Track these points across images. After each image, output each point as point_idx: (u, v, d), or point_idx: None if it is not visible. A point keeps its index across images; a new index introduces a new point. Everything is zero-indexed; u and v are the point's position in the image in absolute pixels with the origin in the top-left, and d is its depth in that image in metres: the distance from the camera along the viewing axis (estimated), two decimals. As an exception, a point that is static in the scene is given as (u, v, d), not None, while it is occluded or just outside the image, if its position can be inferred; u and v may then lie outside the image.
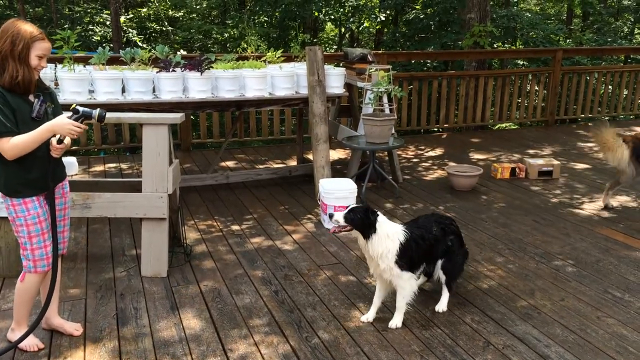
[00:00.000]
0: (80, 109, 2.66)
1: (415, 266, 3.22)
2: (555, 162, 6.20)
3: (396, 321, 3.19)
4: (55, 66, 4.68)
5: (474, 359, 2.88)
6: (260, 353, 2.92)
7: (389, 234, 3.11)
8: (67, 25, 13.54)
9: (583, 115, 9.24)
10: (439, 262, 3.36)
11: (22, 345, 2.89)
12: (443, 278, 3.37)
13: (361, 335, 3.10)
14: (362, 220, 3.06)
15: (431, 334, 3.11)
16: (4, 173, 2.68)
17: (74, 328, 3.07)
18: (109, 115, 2.85)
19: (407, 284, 3.16)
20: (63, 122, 2.61)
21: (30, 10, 14.40)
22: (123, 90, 4.74)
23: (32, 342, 2.91)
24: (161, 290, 3.58)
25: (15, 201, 2.71)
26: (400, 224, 3.28)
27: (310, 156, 5.78)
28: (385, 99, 5.72)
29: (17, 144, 2.58)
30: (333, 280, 3.75)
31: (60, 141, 2.66)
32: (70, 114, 2.65)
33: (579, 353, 2.94)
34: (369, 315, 3.27)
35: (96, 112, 2.69)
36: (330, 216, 3.12)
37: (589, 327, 3.19)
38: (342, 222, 3.07)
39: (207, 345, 3.00)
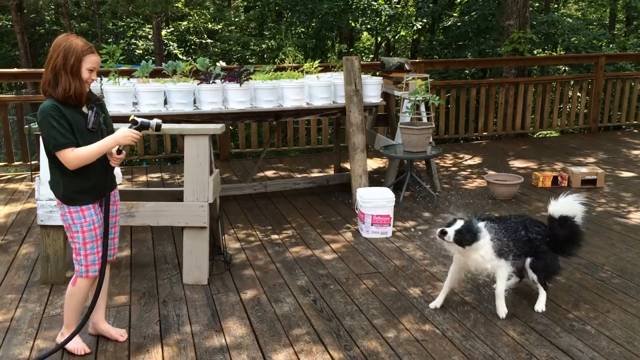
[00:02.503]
0: (139, 119, 2.83)
1: (506, 255, 3.37)
2: (600, 170, 6.05)
3: (501, 309, 3.35)
4: (101, 79, 4.83)
5: (516, 371, 2.83)
6: (300, 361, 2.94)
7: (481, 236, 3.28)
8: (111, 40, 13.97)
9: (628, 122, 9.00)
10: (527, 261, 3.44)
11: (70, 347, 2.99)
12: (534, 277, 3.45)
13: (400, 345, 3.08)
14: (468, 236, 3.23)
15: (472, 345, 3.07)
16: (62, 182, 2.79)
17: (119, 334, 3.15)
18: (149, 130, 2.95)
19: (504, 271, 3.35)
20: (125, 133, 2.78)
21: (76, 25, 14.93)
22: (165, 102, 4.86)
23: (80, 346, 3.01)
24: (202, 298, 3.64)
25: (73, 209, 2.81)
26: (482, 221, 3.37)
27: (347, 165, 5.79)
28: (422, 108, 5.70)
29: (82, 155, 2.70)
30: (372, 289, 3.74)
31: (119, 151, 2.84)
32: (129, 125, 2.82)
33: (627, 367, 2.86)
34: (437, 302, 3.49)
35: (154, 123, 2.87)
36: (443, 232, 3.22)
37: (636, 340, 3.09)
38: (451, 239, 3.21)
39: (247, 352, 3.03)
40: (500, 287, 3.38)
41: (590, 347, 3.03)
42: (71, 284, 2.96)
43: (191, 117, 4.83)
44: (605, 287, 3.70)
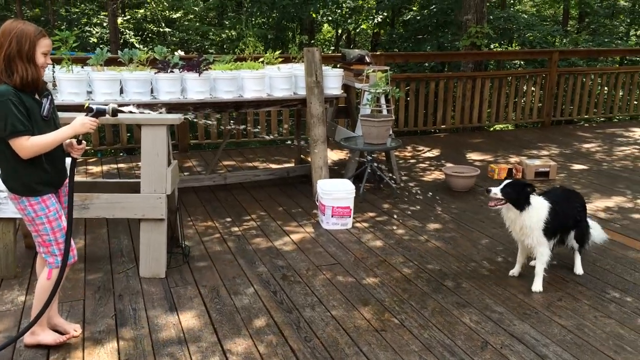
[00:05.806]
0: (94, 106, 2.79)
1: (553, 235, 3.64)
2: (552, 162, 6.22)
3: (537, 286, 3.61)
4: (54, 67, 4.67)
5: (472, 359, 2.90)
6: (260, 353, 2.93)
7: (539, 207, 3.53)
8: (64, 27, 13.51)
9: (579, 116, 9.28)
10: (572, 233, 3.75)
11: (48, 341, 2.91)
12: (576, 246, 3.80)
13: (360, 335, 3.11)
14: (517, 193, 3.48)
15: (430, 334, 3.12)
16: (20, 174, 2.69)
17: (73, 328, 3.06)
18: (106, 116, 2.88)
19: (545, 251, 3.60)
20: (83, 121, 2.72)
21: (28, 11, 14.39)
22: (121, 91, 4.73)
23: (54, 337, 2.94)
24: (160, 291, 3.58)
25: (34, 200, 2.72)
26: (539, 196, 3.62)
27: (308, 157, 5.78)
28: (382, 100, 5.74)
29: (38, 144, 2.62)
30: (331, 280, 3.76)
31: (79, 141, 2.81)
32: (85, 113, 2.77)
33: (577, 353, 2.95)
34: (515, 271, 3.81)
35: (109, 108, 2.82)
36: (488, 191, 3.52)
37: (586, 327, 3.20)
38: (499, 195, 3.48)
39: (205, 345, 3.00)
40: (540, 267, 3.61)
41: (542, 334, 3.13)
42: (46, 278, 2.84)
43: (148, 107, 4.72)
44: (556, 276, 3.82)
